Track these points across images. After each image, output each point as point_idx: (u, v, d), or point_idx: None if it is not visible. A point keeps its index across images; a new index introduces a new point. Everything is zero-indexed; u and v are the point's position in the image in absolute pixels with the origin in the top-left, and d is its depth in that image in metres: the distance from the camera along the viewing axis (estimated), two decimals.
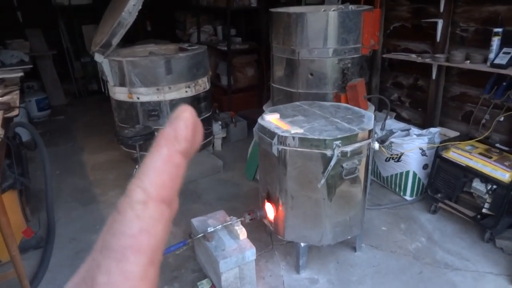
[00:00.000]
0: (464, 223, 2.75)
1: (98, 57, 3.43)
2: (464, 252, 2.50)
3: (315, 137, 2.02)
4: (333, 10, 2.88)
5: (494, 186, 2.43)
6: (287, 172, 2.16)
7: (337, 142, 2.00)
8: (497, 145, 2.70)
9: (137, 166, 3.37)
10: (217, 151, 4.15)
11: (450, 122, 3.30)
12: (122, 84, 3.46)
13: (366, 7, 3.02)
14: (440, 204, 2.85)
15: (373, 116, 2.30)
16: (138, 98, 3.46)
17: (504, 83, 2.75)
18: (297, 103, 2.62)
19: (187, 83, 3.55)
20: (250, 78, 5.26)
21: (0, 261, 2.52)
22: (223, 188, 3.47)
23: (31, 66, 4.71)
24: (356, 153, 2.10)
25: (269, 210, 2.38)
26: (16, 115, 2.69)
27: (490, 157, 2.52)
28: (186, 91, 3.57)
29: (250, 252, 2.16)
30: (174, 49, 4.13)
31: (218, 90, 5.20)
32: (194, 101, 3.67)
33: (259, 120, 2.29)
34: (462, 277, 2.30)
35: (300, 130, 2.09)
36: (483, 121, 2.99)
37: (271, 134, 2.14)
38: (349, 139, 2.05)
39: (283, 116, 2.33)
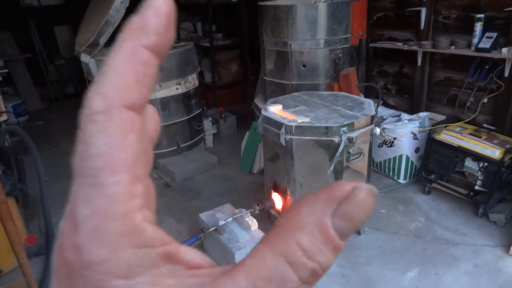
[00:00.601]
0: (457, 201, 2.89)
1: (84, 58, 3.34)
2: (461, 228, 2.64)
3: (322, 125, 2.08)
4: (323, 2, 2.94)
5: (486, 164, 2.57)
6: (295, 161, 2.20)
7: (344, 129, 2.06)
8: (485, 125, 2.85)
9: None
10: (209, 147, 4.14)
11: (435, 107, 3.44)
12: None
13: None
14: (433, 185, 2.98)
15: (372, 102, 2.38)
16: None
17: (487, 66, 2.91)
18: (296, 93, 2.66)
19: (178, 80, 3.53)
20: (234, 74, 5.27)
21: (2, 271, 2.44)
22: (220, 183, 3.48)
23: (6, 70, 4.52)
24: (361, 138, 2.17)
25: (277, 200, 2.42)
26: (5, 120, 2.60)
27: (480, 137, 2.66)
28: (177, 88, 3.55)
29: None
30: None
31: (203, 87, 5.16)
32: (185, 98, 3.65)
33: (263, 112, 2.32)
34: (462, 251, 2.43)
35: (306, 119, 2.14)
36: (468, 103, 3.15)
37: (278, 124, 2.17)
38: (354, 125, 2.12)
39: (285, 107, 2.37)
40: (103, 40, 3.20)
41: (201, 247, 2.57)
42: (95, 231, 0.15)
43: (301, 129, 2.10)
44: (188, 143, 3.80)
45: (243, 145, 3.70)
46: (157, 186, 3.49)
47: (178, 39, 5.47)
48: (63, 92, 6.44)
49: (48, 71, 6.31)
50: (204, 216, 2.42)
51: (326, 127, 2.07)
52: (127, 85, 0.17)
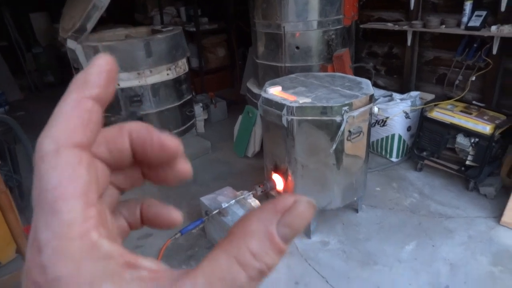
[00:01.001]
0: (448, 176, 2.99)
1: (71, 44, 3.23)
2: (454, 202, 2.74)
3: (324, 105, 2.10)
4: None
5: (477, 139, 2.66)
6: (296, 142, 2.22)
7: (345, 108, 2.09)
8: (474, 102, 2.94)
9: None
10: (200, 133, 4.12)
11: (425, 86, 3.52)
12: None
13: None
14: (425, 162, 3.07)
15: (370, 82, 2.41)
16: (118, 84, 3.33)
17: (475, 45, 2.98)
18: (293, 75, 2.67)
19: (168, 65, 3.47)
20: (222, 59, 5.22)
21: (0, 262, 2.39)
22: (215, 168, 3.48)
23: None
24: (361, 117, 2.20)
25: (278, 181, 2.45)
26: None
27: (471, 113, 2.75)
28: (168, 74, 3.49)
29: None
30: (147, 32, 3.99)
31: (190, 73, 5.10)
32: (176, 84, 3.59)
33: (263, 94, 2.32)
34: (456, 224, 2.53)
35: (308, 100, 2.15)
36: (457, 82, 3.23)
37: (279, 105, 2.18)
38: (355, 104, 2.14)
39: (284, 88, 2.38)
40: (90, 25, 3.11)
41: (202, 231, 2.58)
42: (57, 251, 0.17)
43: (303, 110, 2.12)
44: (180, 129, 3.76)
45: (236, 129, 3.70)
46: None
47: (163, 23, 5.36)
48: (42, 81, 6.23)
49: (25, 60, 6.07)
50: (205, 199, 2.43)
51: (328, 107, 2.09)
52: (73, 128, 0.19)
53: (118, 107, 3.40)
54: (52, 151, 0.18)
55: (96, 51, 3.20)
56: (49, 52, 6.26)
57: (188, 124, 3.88)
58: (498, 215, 2.53)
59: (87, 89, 0.20)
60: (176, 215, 0.25)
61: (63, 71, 6.21)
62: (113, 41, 3.31)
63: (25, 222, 2.70)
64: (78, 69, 3.56)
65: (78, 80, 0.20)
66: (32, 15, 6.12)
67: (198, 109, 4.06)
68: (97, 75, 0.20)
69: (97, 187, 0.20)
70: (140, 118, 3.15)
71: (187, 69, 3.77)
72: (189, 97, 3.84)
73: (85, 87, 0.20)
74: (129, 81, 3.33)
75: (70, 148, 0.19)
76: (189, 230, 2.21)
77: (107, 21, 6.17)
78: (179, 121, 3.74)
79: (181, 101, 3.70)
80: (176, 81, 3.60)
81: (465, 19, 2.84)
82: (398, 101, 3.13)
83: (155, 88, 3.46)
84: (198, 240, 2.55)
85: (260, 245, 0.19)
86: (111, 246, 0.18)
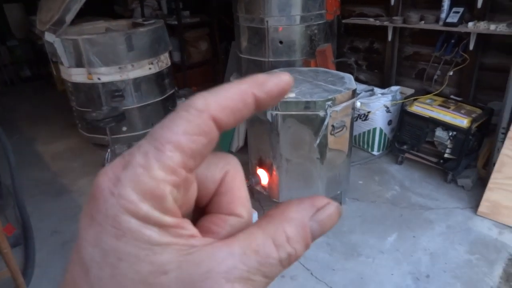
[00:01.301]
0: (427, 169, 3.07)
1: (49, 37, 3.14)
2: (433, 194, 2.82)
3: (308, 100, 2.12)
4: None
5: (455, 133, 2.75)
6: (280, 137, 2.24)
7: (329, 103, 2.12)
8: (452, 96, 3.02)
9: (109, 150, 3.22)
10: None
11: (404, 80, 3.59)
12: (79, 64, 3.23)
13: None
14: (406, 155, 3.15)
15: (352, 77, 2.44)
16: (99, 79, 3.27)
17: (453, 40, 3.06)
18: (276, 70, 2.68)
19: (150, 59, 3.42)
20: (204, 53, 5.17)
21: None
22: None
23: None
24: (344, 111, 2.24)
25: (263, 175, 2.46)
26: None
27: (449, 107, 2.83)
28: (150, 68, 3.44)
29: (254, 216, 2.23)
30: (128, 25, 3.91)
31: (172, 67, 5.04)
32: (158, 78, 3.55)
33: None
34: (436, 215, 2.61)
35: (292, 94, 2.17)
36: (435, 77, 3.31)
37: None
38: (338, 99, 2.18)
39: None
40: (69, 18, 3.03)
41: None
42: (137, 177, 0.18)
43: (287, 105, 2.14)
44: None
45: None
46: None
47: (144, 17, 5.26)
48: (18, 75, 6.04)
49: (0, 53, 5.88)
50: None
51: (312, 102, 2.12)
52: (225, 107, 0.20)
53: (99, 102, 3.34)
54: (198, 109, 0.19)
55: (75, 44, 3.13)
56: (25, 45, 6.07)
57: None
58: (474, 206, 2.62)
59: (258, 89, 0.21)
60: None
61: (39, 65, 6.04)
62: (93, 35, 3.23)
63: (4, 221, 2.64)
64: (56, 62, 3.48)
65: (258, 77, 0.21)
66: (6, 5, 5.90)
67: (181, 104, 4.02)
68: (274, 85, 0.21)
69: (200, 161, 0.20)
70: (122, 114, 3.10)
71: (169, 63, 3.73)
72: (171, 91, 3.80)
73: (259, 86, 0.21)
74: (110, 75, 3.27)
75: (211, 118, 0.20)
76: None
77: (85, 14, 6.03)
78: (162, 116, 3.67)
79: (164, 96, 3.67)
80: (159, 76, 3.56)
81: (443, 15, 2.90)
82: (379, 95, 3.19)
83: (137, 82, 3.41)
84: None
85: (295, 232, 0.20)
86: (172, 206, 0.19)
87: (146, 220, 0.18)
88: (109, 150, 3.20)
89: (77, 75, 3.30)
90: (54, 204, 2.98)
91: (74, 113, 3.64)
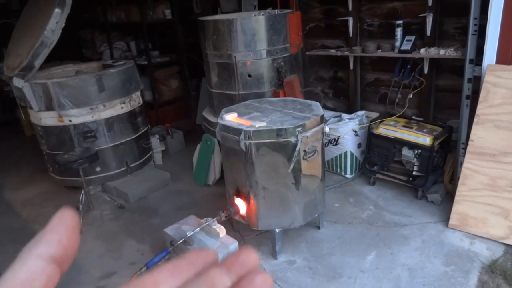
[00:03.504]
0: (398, 187, 3.20)
1: (17, 82, 3.14)
2: (406, 211, 2.92)
3: (279, 127, 2.21)
4: (262, 15, 3.12)
5: (420, 151, 2.90)
6: (255, 165, 2.30)
7: (299, 129, 2.21)
8: (414, 117, 3.21)
9: (82, 192, 3.16)
10: (158, 165, 4.08)
11: (369, 105, 3.79)
12: (49, 108, 3.22)
13: (288, 10, 3.33)
14: (377, 176, 3.27)
15: (319, 104, 2.57)
16: (70, 121, 3.26)
17: (409, 66, 3.30)
18: (247, 102, 2.78)
19: (122, 99, 3.46)
20: (175, 90, 5.26)
21: None
22: (176, 198, 3.45)
23: None
24: (314, 136, 2.34)
25: (241, 205, 2.49)
26: None
27: (412, 128, 3.00)
28: (122, 107, 3.48)
29: (234, 246, 2.24)
30: (98, 67, 3.96)
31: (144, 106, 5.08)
32: (131, 117, 3.58)
33: (220, 121, 2.40)
34: (410, 230, 2.70)
35: (263, 124, 2.26)
36: (397, 100, 3.52)
37: (237, 131, 2.26)
38: (307, 125, 2.28)
39: (240, 115, 2.47)
40: (38, 63, 3.05)
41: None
42: None
43: (259, 133, 2.21)
44: (138, 162, 3.72)
45: (195, 159, 3.71)
46: (111, 209, 3.36)
47: (113, 59, 5.34)
48: None
49: None
50: (169, 230, 2.41)
51: (283, 129, 2.20)
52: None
53: (71, 144, 3.31)
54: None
55: (45, 88, 3.14)
56: None
57: (146, 157, 3.84)
58: (445, 219, 2.74)
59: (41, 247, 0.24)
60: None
61: (5, 111, 5.92)
62: (63, 78, 3.26)
63: None
64: (25, 107, 3.45)
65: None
66: None
67: (155, 141, 4.04)
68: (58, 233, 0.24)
69: None
70: (95, 154, 3.09)
71: (141, 102, 3.78)
72: (145, 129, 3.82)
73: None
74: (81, 116, 3.27)
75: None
76: (155, 263, 2.17)
77: (54, 58, 6.03)
78: (136, 154, 3.70)
79: (137, 134, 3.68)
80: (131, 114, 3.59)
81: (397, 43, 3.14)
82: (347, 120, 3.34)
83: (109, 122, 3.42)
84: None
85: None
86: None
87: None
88: (82, 192, 3.14)
89: (47, 118, 3.28)
90: None
91: (44, 157, 3.58)
